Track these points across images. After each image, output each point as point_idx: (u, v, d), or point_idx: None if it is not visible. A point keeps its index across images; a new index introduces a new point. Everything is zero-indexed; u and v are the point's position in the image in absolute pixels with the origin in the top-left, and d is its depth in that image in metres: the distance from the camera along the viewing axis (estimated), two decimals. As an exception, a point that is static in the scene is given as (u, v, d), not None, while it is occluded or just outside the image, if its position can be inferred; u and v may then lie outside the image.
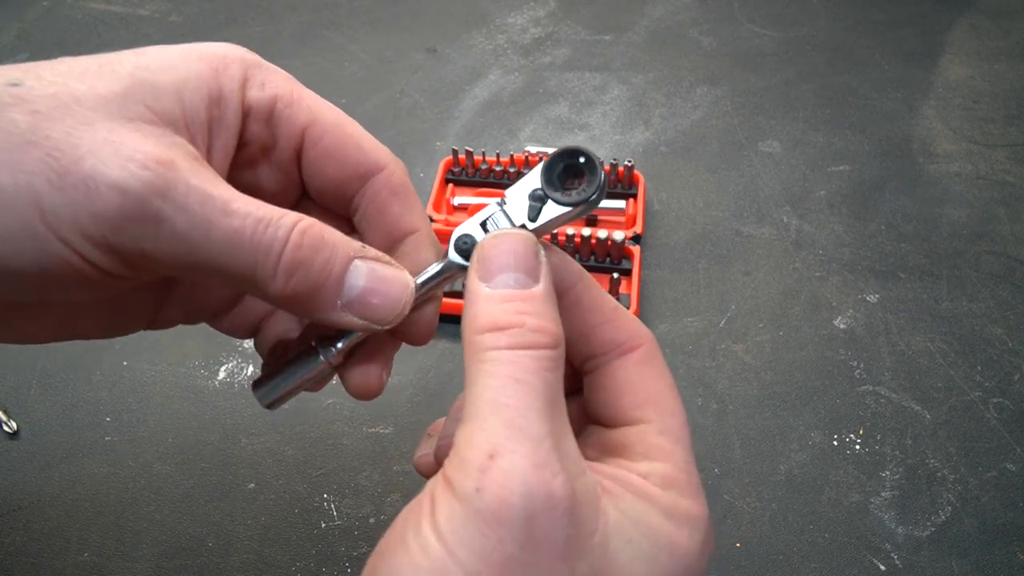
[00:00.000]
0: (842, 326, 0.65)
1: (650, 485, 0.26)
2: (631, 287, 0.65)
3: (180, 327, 0.64)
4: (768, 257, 0.71)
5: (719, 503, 0.54)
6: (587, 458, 0.27)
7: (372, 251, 0.28)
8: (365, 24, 0.96)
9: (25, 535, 0.52)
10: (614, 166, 0.72)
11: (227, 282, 0.26)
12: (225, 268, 0.25)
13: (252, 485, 0.55)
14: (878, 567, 0.51)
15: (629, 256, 0.67)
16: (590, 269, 0.67)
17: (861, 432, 0.58)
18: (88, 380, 0.61)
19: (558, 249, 0.30)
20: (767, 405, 0.60)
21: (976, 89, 0.89)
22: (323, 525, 0.53)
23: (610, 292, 0.63)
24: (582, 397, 0.31)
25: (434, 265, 0.30)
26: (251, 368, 0.62)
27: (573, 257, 0.66)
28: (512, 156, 0.74)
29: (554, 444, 0.24)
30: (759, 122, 0.85)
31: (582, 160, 0.29)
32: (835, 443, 0.58)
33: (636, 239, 0.69)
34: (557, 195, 0.29)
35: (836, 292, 0.68)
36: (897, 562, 0.51)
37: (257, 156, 0.30)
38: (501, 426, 0.24)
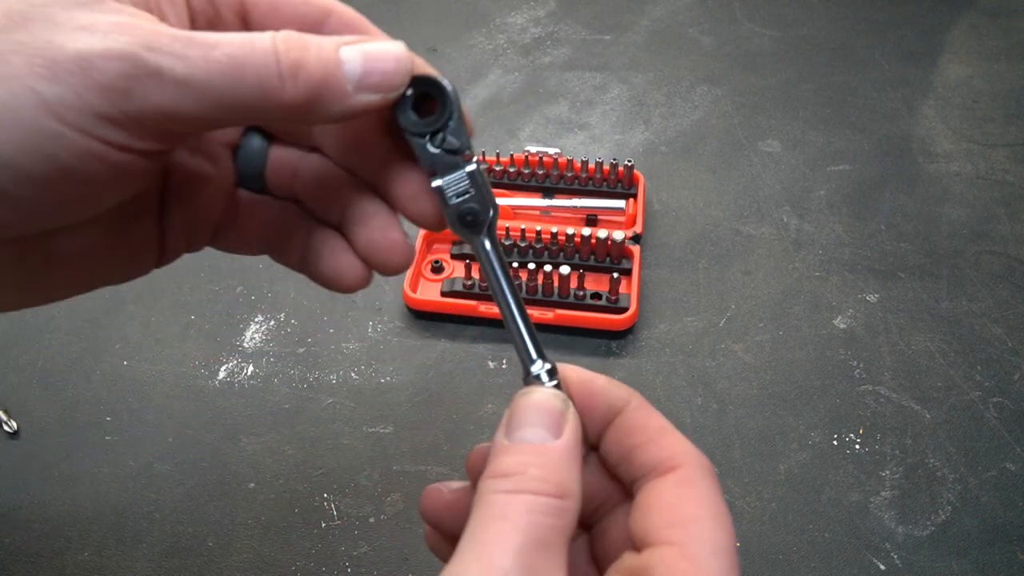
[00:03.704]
0: (842, 326, 0.65)
1: None
2: (631, 287, 0.65)
3: (181, 327, 0.64)
4: (768, 257, 0.71)
5: (719, 503, 0.54)
6: None
7: (348, 36, 0.28)
8: (365, 24, 0.96)
9: (25, 534, 0.52)
10: (614, 166, 0.72)
11: (244, 113, 0.26)
12: (235, 94, 0.25)
13: (252, 485, 0.55)
14: (878, 567, 0.51)
15: (629, 256, 0.67)
16: (590, 269, 0.67)
17: (861, 432, 0.58)
18: (88, 380, 0.61)
19: (602, 376, 0.30)
20: (767, 405, 0.60)
21: (976, 89, 0.89)
22: (323, 525, 0.53)
23: (610, 292, 0.63)
24: None
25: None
26: (251, 368, 0.62)
27: (573, 257, 0.66)
28: (512, 156, 0.74)
29: None
30: (759, 122, 0.85)
31: (423, 90, 0.29)
32: (835, 443, 0.58)
33: (636, 239, 0.69)
34: (426, 129, 0.29)
35: (836, 292, 0.68)
36: (897, 562, 0.51)
37: (204, 29, 0.29)
38: (471, 558, 0.24)
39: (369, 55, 0.27)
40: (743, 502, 0.54)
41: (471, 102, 0.87)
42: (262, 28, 0.29)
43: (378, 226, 0.32)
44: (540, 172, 0.73)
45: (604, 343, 0.64)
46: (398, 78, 0.28)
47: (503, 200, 0.72)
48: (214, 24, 0.29)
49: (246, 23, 0.29)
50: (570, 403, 0.28)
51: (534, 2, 1.02)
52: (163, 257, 0.33)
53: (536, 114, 0.85)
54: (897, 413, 0.59)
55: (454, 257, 0.69)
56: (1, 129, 0.23)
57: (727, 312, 0.66)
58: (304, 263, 0.34)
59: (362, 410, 0.59)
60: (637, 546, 0.27)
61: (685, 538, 0.26)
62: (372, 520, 0.53)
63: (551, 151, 0.73)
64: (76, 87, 0.23)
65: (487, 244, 0.31)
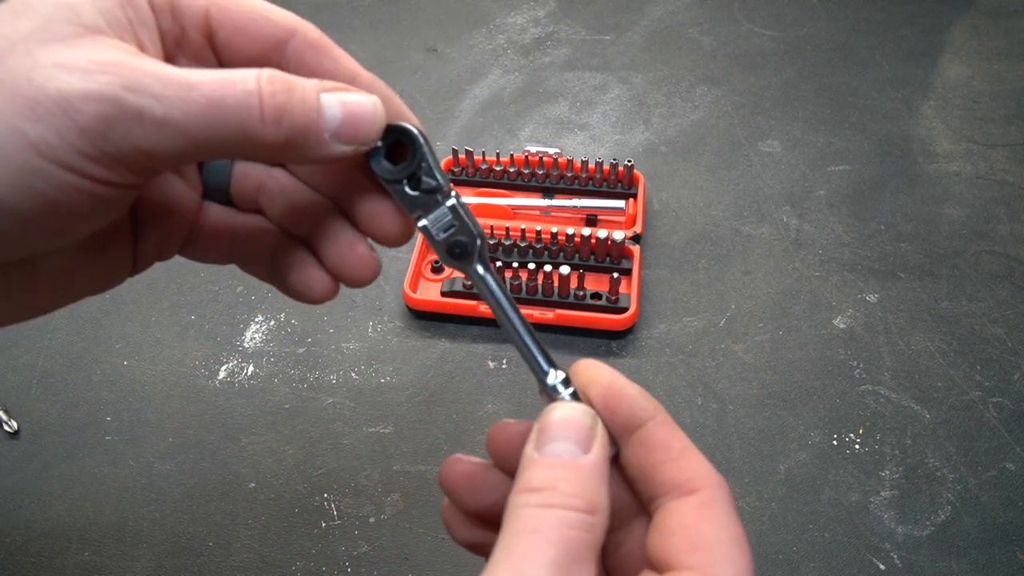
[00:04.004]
0: (842, 326, 0.65)
1: None
2: (631, 287, 0.65)
3: (181, 328, 0.64)
4: (768, 257, 0.71)
5: (719, 503, 0.54)
6: None
7: (329, 83, 0.28)
8: (365, 24, 0.96)
9: (25, 534, 0.52)
10: (614, 166, 0.72)
11: (221, 151, 0.26)
12: (214, 136, 0.25)
13: (252, 485, 0.55)
14: (878, 566, 0.51)
15: (629, 256, 0.67)
16: (590, 269, 0.67)
17: (861, 432, 0.58)
18: (88, 380, 0.61)
19: (633, 384, 0.30)
20: (767, 405, 0.60)
21: (976, 89, 0.89)
22: (323, 525, 0.53)
23: (610, 292, 0.63)
24: None
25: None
26: (251, 368, 0.62)
27: (573, 257, 0.66)
28: (512, 156, 0.74)
29: None
30: (759, 122, 0.85)
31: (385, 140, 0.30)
32: (835, 443, 0.58)
33: (636, 239, 0.69)
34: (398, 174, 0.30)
35: (836, 292, 0.68)
36: (897, 561, 0.51)
37: (173, 51, 0.29)
38: (505, 569, 0.24)
39: (348, 106, 0.28)
40: (743, 502, 0.54)
41: (471, 102, 0.87)
42: (228, 49, 0.30)
43: (345, 240, 0.33)
44: (540, 172, 0.73)
45: (604, 343, 0.64)
46: (373, 132, 0.29)
47: (503, 200, 0.72)
48: (181, 45, 0.30)
49: (212, 43, 0.30)
50: (599, 419, 0.29)
51: (534, 2, 1.02)
52: (136, 267, 0.33)
53: (536, 114, 0.85)
54: (897, 413, 0.59)
55: (454, 257, 0.69)
56: None
57: (727, 312, 0.66)
58: (272, 275, 0.35)
59: (362, 410, 0.59)
60: (657, 567, 0.28)
61: (707, 563, 0.27)
62: (372, 520, 0.53)
63: (551, 151, 0.73)
64: (58, 127, 0.23)
65: (480, 270, 0.31)
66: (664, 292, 0.68)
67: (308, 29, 0.30)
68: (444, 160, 0.74)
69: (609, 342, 0.64)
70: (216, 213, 0.34)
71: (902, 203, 0.76)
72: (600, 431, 0.28)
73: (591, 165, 0.72)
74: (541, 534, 0.25)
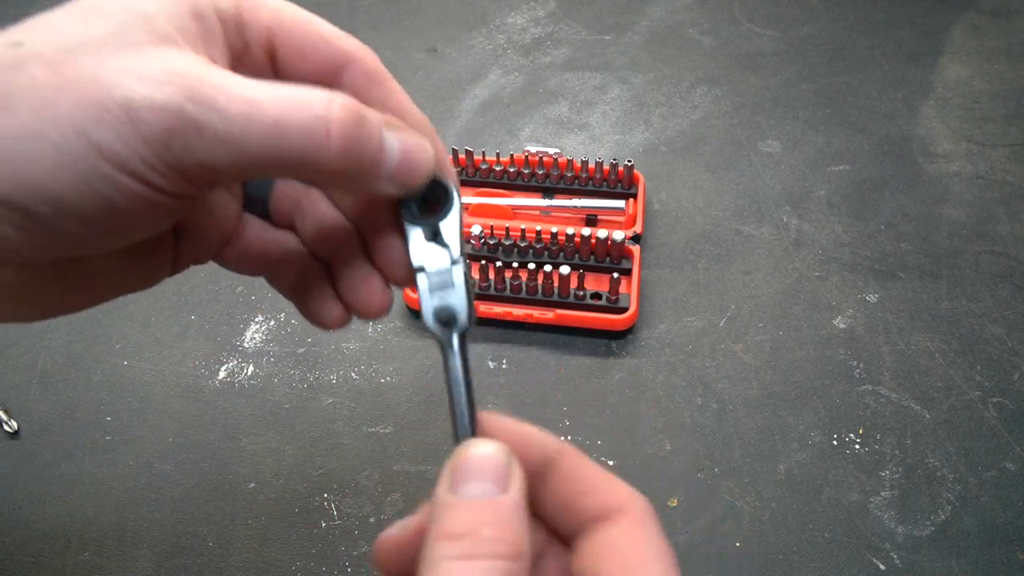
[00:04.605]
0: (842, 326, 0.65)
1: None
2: (631, 287, 0.65)
3: (181, 328, 0.64)
4: (768, 257, 0.71)
5: (719, 503, 0.54)
6: None
7: (393, 118, 0.28)
8: (365, 24, 0.96)
9: (25, 534, 0.52)
10: (614, 166, 0.72)
11: (282, 171, 0.26)
12: (275, 156, 0.25)
13: (252, 485, 0.55)
14: (878, 566, 0.51)
15: (629, 256, 0.67)
16: (590, 269, 0.67)
17: (861, 432, 0.58)
18: (88, 380, 0.61)
19: (533, 428, 0.30)
20: (767, 405, 0.60)
21: (976, 89, 0.89)
22: (323, 525, 0.53)
23: (610, 292, 0.63)
24: None
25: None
26: (251, 368, 0.62)
27: (573, 257, 0.66)
28: (512, 156, 0.74)
29: None
30: (759, 122, 0.85)
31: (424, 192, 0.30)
32: (835, 443, 0.58)
33: (636, 239, 0.69)
34: (426, 221, 0.30)
35: (836, 292, 0.68)
36: (897, 561, 0.51)
37: (236, 66, 0.30)
38: None
39: (406, 148, 0.28)
40: (743, 502, 0.54)
41: (471, 102, 0.87)
42: (288, 68, 0.30)
43: (361, 272, 0.33)
44: (540, 172, 0.73)
45: (604, 343, 0.64)
46: (423, 178, 0.29)
47: (503, 200, 0.72)
48: (243, 60, 0.30)
49: (273, 60, 0.30)
50: (513, 456, 0.28)
51: (534, 2, 1.02)
52: (174, 269, 0.34)
53: (536, 114, 0.85)
54: (897, 413, 0.59)
55: (454, 257, 0.69)
56: (58, 172, 0.23)
57: (727, 312, 0.66)
58: (294, 294, 0.35)
59: (362, 410, 0.59)
60: None
61: None
62: (372, 520, 0.53)
63: (551, 151, 0.73)
64: (123, 134, 0.24)
65: (456, 345, 0.30)
66: (664, 292, 0.68)
67: (367, 57, 0.30)
68: (444, 160, 0.74)
69: (609, 342, 0.64)
70: (253, 225, 0.35)
71: (902, 203, 0.76)
72: (516, 468, 0.27)
73: (591, 165, 0.72)
74: None
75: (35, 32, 0.25)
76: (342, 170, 0.26)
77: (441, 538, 0.25)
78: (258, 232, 0.35)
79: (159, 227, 0.28)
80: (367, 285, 0.33)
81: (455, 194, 0.30)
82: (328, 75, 0.30)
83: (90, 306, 0.32)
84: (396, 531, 0.30)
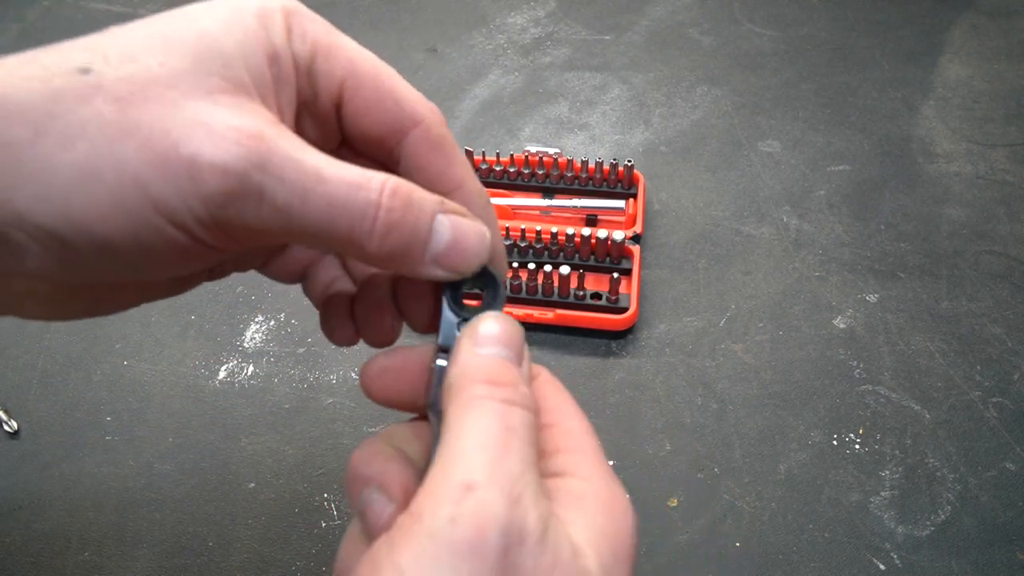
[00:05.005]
0: (842, 326, 0.65)
1: (577, 481, 0.27)
2: (631, 287, 0.65)
3: (181, 327, 0.64)
4: (768, 257, 0.71)
5: (719, 503, 0.54)
6: None
7: (451, 204, 0.28)
8: (365, 24, 0.96)
9: (25, 534, 0.52)
10: (614, 166, 0.72)
11: (325, 246, 0.27)
12: (324, 233, 0.25)
13: (252, 485, 0.55)
14: (878, 566, 0.51)
15: (629, 256, 0.67)
16: (590, 269, 0.67)
17: (861, 432, 0.58)
18: (88, 380, 0.61)
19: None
20: (767, 405, 0.60)
21: (976, 89, 0.89)
22: (323, 525, 0.53)
23: (610, 292, 0.63)
24: None
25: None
26: (251, 368, 0.62)
27: (573, 257, 0.66)
28: (512, 156, 0.74)
29: (532, 486, 0.24)
30: (759, 122, 0.85)
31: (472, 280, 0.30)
32: (835, 443, 0.58)
33: (636, 239, 0.69)
34: (469, 313, 0.30)
35: (836, 292, 0.68)
36: (897, 561, 0.51)
37: (302, 112, 0.29)
38: (483, 462, 0.24)
39: (458, 234, 0.28)
40: (743, 502, 0.54)
41: (471, 102, 0.87)
42: (353, 122, 0.30)
43: (381, 307, 0.34)
44: (540, 172, 0.73)
45: (604, 343, 0.64)
46: (474, 266, 0.28)
47: (503, 200, 0.72)
48: (310, 108, 0.29)
49: (339, 112, 0.30)
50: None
51: (534, 2, 1.02)
52: (211, 277, 0.34)
53: (536, 114, 0.85)
54: (897, 413, 0.59)
55: (454, 257, 0.69)
56: (108, 217, 0.23)
57: (727, 312, 0.66)
58: (322, 304, 0.36)
59: (362, 410, 0.59)
60: None
61: (562, 419, 0.30)
62: (372, 520, 0.53)
63: (551, 151, 0.73)
64: (181, 190, 0.23)
65: None
66: (664, 292, 0.68)
67: (434, 123, 0.30)
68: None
69: (609, 342, 0.64)
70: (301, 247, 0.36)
71: (902, 203, 0.76)
72: (526, 349, 0.29)
73: (591, 165, 0.72)
74: (513, 432, 0.25)
75: (106, 57, 0.24)
76: (385, 255, 0.26)
77: (482, 380, 0.26)
78: (303, 250, 0.36)
79: (193, 270, 0.28)
80: (381, 320, 0.34)
81: (502, 291, 0.30)
82: (392, 135, 0.30)
83: (123, 311, 0.32)
84: (383, 359, 0.32)
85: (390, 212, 0.25)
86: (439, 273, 0.28)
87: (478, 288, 0.30)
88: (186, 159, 0.23)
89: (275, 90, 0.27)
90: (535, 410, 0.27)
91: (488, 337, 0.28)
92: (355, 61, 0.29)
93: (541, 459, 0.28)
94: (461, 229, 0.28)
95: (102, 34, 0.25)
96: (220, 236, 0.25)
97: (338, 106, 0.29)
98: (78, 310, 0.30)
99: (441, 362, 0.30)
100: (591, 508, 0.27)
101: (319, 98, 0.29)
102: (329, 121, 0.30)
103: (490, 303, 0.30)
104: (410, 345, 0.32)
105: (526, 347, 0.29)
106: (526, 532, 0.23)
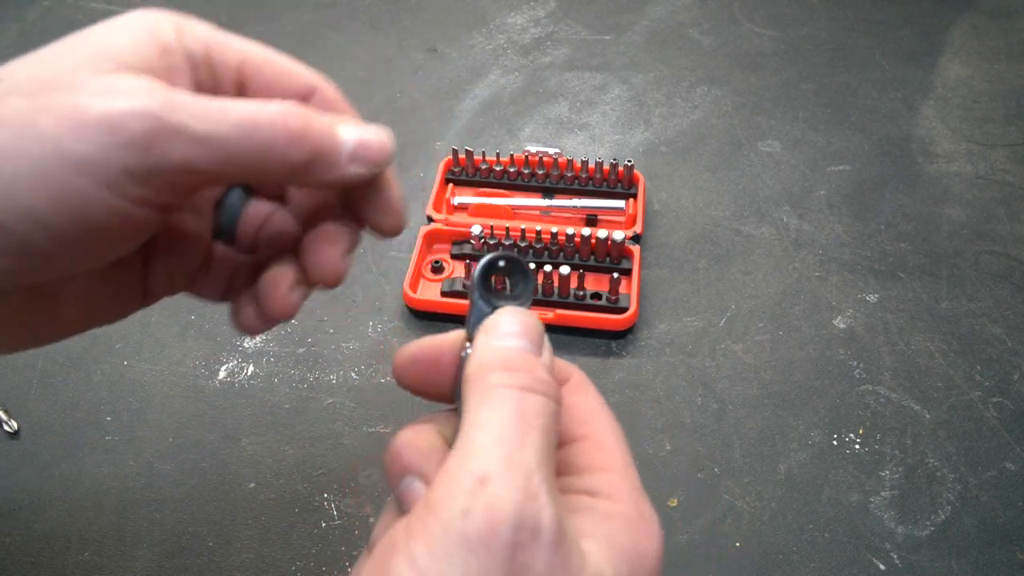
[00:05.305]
0: (842, 326, 0.65)
1: (604, 501, 0.28)
2: (631, 287, 0.65)
3: (181, 327, 0.64)
4: (768, 257, 0.71)
5: (719, 503, 0.54)
6: None
7: (346, 117, 0.32)
8: (365, 24, 0.96)
9: (25, 534, 0.52)
10: (614, 166, 0.72)
11: (250, 169, 0.28)
12: (246, 155, 0.27)
13: (252, 485, 0.55)
14: (878, 566, 0.51)
15: (629, 256, 0.67)
16: (590, 269, 0.67)
17: (861, 432, 0.58)
18: (88, 380, 0.61)
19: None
20: (767, 405, 0.60)
21: (976, 89, 0.89)
22: (323, 525, 0.53)
23: (610, 292, 0.63)
24: None
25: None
26: (251, 368, 0.62)
27: (573, 257, 0.66)
28: (512, 156, 0.74)
29: (546, 481, 0.25)
30: (759, 122, 0.85)
31: (502, 264, 0.31)
32: (835, 443, 0.58)
33: (636, 239, 0.69)
34: (498, 300, 0.31)
35: (836, 292, 0.68)
36: (897, 561, 0.51)
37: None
38: (498, 455, 0.24)
39: (364, 132, 0.31)
40: (743, 502, 0.54)
41: (471, 102, 0.87)
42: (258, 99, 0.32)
43: (278, 277, 0.34)
44: (540, 172, 0.73)
45: (604, 343, 0.64)
46: (383, 156, 0.31)
47: (503, 200, 0.72)
48: (214, 95, 0.32)
49: (242, 94, 0.32)
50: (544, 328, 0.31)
51: (534, 2, 1.02)
52: (146, 299, 0.35)
53: (536, 114, 0.85)
54: (897, 413, 0.59)
55: (454, 257, 0.69)
56: (35, 188, 0.25)
57: (727, 312, 0.66)
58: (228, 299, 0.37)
59: (362, 410, 0.59)
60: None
61: (593, 432, 0.30)
62: (372, 520, 0.53)
63: (551, 151, 0.73)
64: (103, 145, 0.25)
65: None
66: (664, 292, 0.68)
67: (328, 87, 0.34)
68: (444, 160, 0.74)
69: (609, 342, 0.64)
70: (222, 253, 0.37)
71: (902, 203, 0.76)
72: (547, 341, 0.30)
73: (591, 165, 0.72)
74: (529, 423, 0.26)
75: (11, 71, 0.27)
76: (305, 160, 0.29)
77: (498, 368, 0.27)
78: (225, 260, 0.37)
79: (131, 244, 0.29)
80: (279, 290, 0.34)
81: (531, 279, 0.31)
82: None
83: (61, 339, 0.33)
84: (415, 348, 0.33)
85: (295, 118, 0.28)
86: (359, 171, 0.30)
87: (507, 277, 0.32)
88: (101, 115, 0.25)
89: (168, 75, 0.29)
90: (557, 397, 0.27)
91: (503, 330, 0.29)
92: (247, 50, 0.32)
93: (573, 475, 0.29)
94: (363, 129, 0.31)
95: (8, 63, 0.28)
96: (156, 185, 0.26)
97: (241, 90, 0.32)
98: (18, 337, 0.31)
99: (469, 351, 0.31)
100: (615, 526, 0.27)
101: (221, 85, 0.32)
102: None
103: (520, 292, 0.31)
104: (442, 333, 0.33)
105: (547, 340, 0.30)
106: (540, 529, 0.23)
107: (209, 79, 0.31)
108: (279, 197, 0.36)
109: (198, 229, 0.35)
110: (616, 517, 0.27)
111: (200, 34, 0.31)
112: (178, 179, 0.27)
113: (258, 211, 0.36)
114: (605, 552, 0.26)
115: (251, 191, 0.35)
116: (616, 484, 0.28)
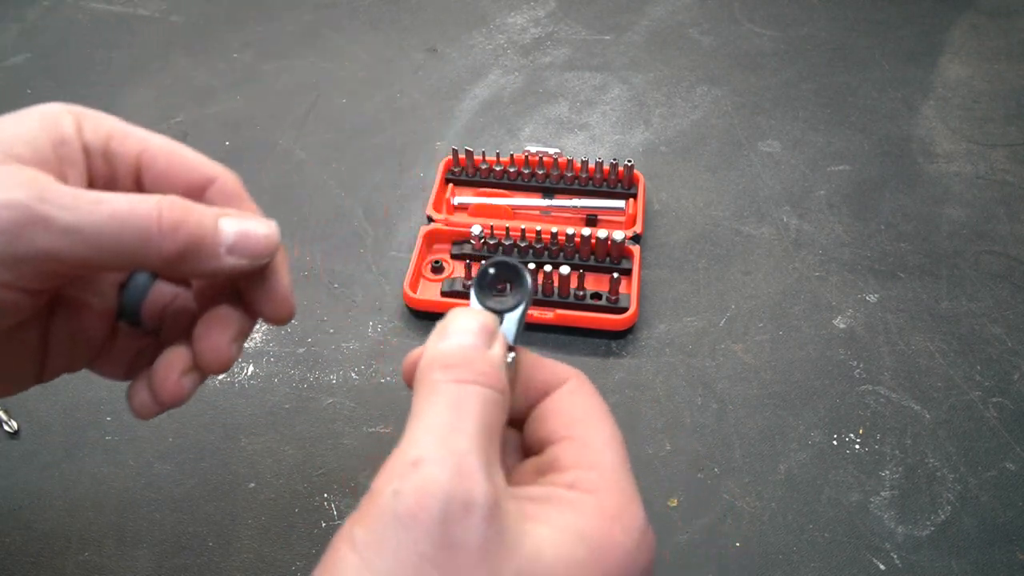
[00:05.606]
0: (842, 326, 0.65)
1: (578, 493, 0.28)
2: (631, 287, 0.65)
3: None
4: (768, 257, 0.71)
5: (719, 503, 0.54)
6: (522, 483, 0.29)
7: (232, 210, 0.32)
8: (365, 24, 0.96)
9: (25, 534, 0.52)
10: (614, 166, 0.72)
11: (122, 259, 0.29)
12: (114, 244, 0.28)
13: (252, 485, 0.55)
14: (878, 567, 0.51)
15: (629, 256, 0.67)
16: (590, 269, 0.67)
17: (861, 432, 0.58)
18: (88, 380, 0.61)
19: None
20: (767, 405, 0.60)
21: (976, 89, 0.89)
22: (323, 525, 0.53)
23: (610, 292, 0.63)
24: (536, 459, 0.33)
25: None
26: (251, 368, 0.62)
27: (573, 257, 0.66)
28: (512, 156, 0.74)
29: (480, 461, 0.25)
30: (759, 122, 0.85)
31: (492, 271, 0.32)
32: (835, 443, 0.58)
33: (636, 239, 0.69)
34: (493, 303, 0.32)
35: (836, 292, 0.68)
36: (897, 561, 0.51)
37: (103, 190, 0.33)
38: (431, 440, 0.26)
39: (246, 225, 0.31)
40: (743, 502, 0.54)
41: (471, 102, 0.87)
42: (153, 190, 0.33)
43: (171, 362, 0.35)
44: (540, 172, 0.73)
45: (604, 343, 0.64)
46: (268, 248, 0.32)
47: (503, 200, 0.72)
48: (111, 185, 0.33)
49: (140, 185, 0.33)
50: (499, 329, 0.32)
51: (534, 2, 1.02)
52: (43, 374, 0.36)
53: (536, 114, 0.85)
54: (897, 413, 0.59)
55: (454, 257, 0.69)
56: None
57: (727, 312, 0.66)
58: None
59: (362, 410, 0.59)
60: (536, 450, 0.31)
61: (581, 433, 0.31)
62: (372, 520, 0.53)
63: (551, 151, 0.73)
64: None
65: None
66: (664, 292, 0.68)
67: (227, 178, 0.34)
68: (444, 160, 0.74)
69: (609, 342, 0.64)
70: (126, 333, 0.38)
71: (902, 203, 0.76)
72: (501, 336, 0.31)
73: (591, 165, 0.72)
74: (462, 409, 0.27)
75: None
76: (179, 251, 0.29)
77: (436, 364, 0.28)
78: (129, 340, 0.38)
79: (6, 323, 0.30)
80: (169, 377, 0.35)
81: (527, 282, 0.32)
82: (191, 194, 0.33)
83: None
84: (420, 352, 0.33)
85: (172, 211, 0.29)
86: (239, 263, 0.31)
87: (505, 281, 0.32)
88: None
89: (60, 168, 0.30)
90: (500, 387, 0.28)
91: (450, 329, 0.30)
92: (147, 140, 0.33)
93: (557, 471, 0.29)
94: (247, 222, 0.32)
95: None
96: (22, 272, 0.27)
97: (138, 180, 0.33)
98: None
99: None
100: (582, 515, 0.27)
101: (118, 174, 0.33)
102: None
103: (517, 295, 0.32)
104: None
105: (501, 334, 0.31)
106: (472, 504, 0.24)
107: (106, 170, 0.32)
108: (184, 281, 0.37)
109: (101, 309, 0.36)
110: (587, 506, 0.28)
111: (102, 126, 0.32)
112: (45, 267, 0.28)
113: (163, 293, 0.37)
114: (555, 536, 0.26)
115: (156, 274, 0.36)
116: (598, 481, 0.29)
